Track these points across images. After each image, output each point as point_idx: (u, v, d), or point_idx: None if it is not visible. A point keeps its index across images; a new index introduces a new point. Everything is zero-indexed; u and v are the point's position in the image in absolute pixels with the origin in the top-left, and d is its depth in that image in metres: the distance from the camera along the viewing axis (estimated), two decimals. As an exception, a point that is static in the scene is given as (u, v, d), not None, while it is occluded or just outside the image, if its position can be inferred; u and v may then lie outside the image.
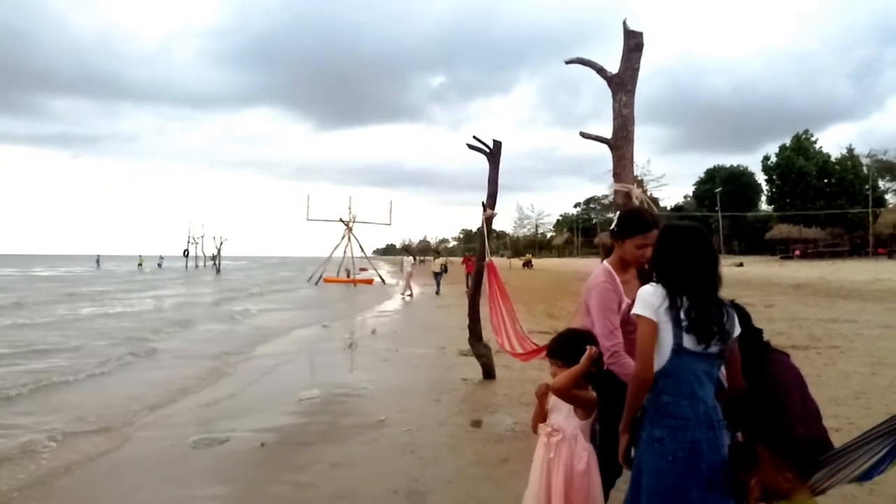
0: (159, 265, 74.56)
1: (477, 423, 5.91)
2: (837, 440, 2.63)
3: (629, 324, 2.95)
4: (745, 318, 2.77)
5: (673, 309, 2.33)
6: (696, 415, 2.31)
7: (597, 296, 3.01)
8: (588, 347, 2.76)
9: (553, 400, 2.91)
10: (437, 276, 27.59)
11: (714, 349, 2.35)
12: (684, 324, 2.31)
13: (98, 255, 76.87)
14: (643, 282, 2.77)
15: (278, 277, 47.82)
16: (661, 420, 2.34)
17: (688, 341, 2.31)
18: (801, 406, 2.56)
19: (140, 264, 71.21)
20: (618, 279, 3.02)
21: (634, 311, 2.39)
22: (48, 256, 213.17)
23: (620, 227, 3.06)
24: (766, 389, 2.56)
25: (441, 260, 31.01)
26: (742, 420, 2.68)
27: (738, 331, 2.43)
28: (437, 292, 25.85)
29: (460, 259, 40.39)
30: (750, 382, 2.59)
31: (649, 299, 2.36)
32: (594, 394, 2.82)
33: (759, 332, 2.77)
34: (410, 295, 25.04)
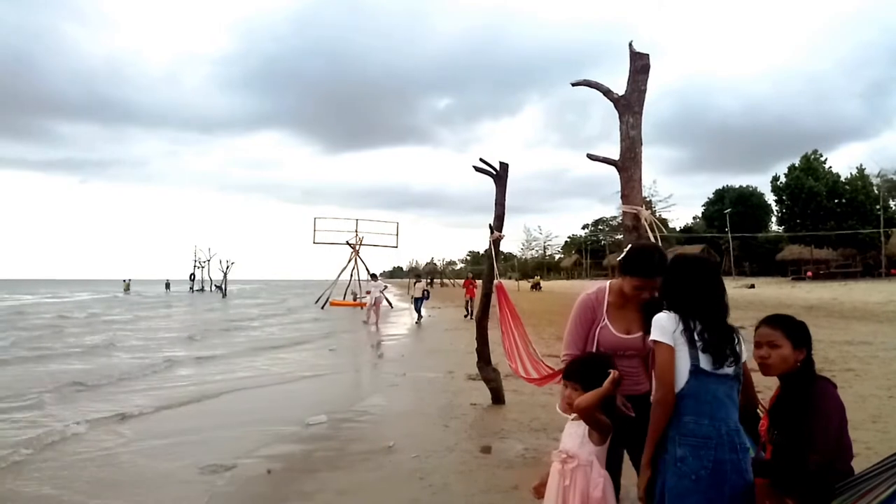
0: (167, 287, 75.12)
1: (486, 449, 5.82)
2: (856, 466, 2.56)
3: (623, 348, 3.00)
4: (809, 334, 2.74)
5: (687, 331, 2.41)
6: (719, 434, 2.33)
7: (577, 306, 3.09)
8: (610, 371, 2.72)
9: (567, 426, 2.86)
10: (418, 301, 24.71)
11: (729, 370, 2.41)
12: (699, 345, 2.39)
13: (128, 280, 77.18)
14: (645, 312, 2.83)
15: (287, 303, 47.70)
16: (683, 439, 2.35)
17: (704, 361, 2.38)
18: (836, 439, 2.48)
19: (127, 288, 70.94)
20: (608, 299, 3.03)
21: (652, 337, 2.46)
22: (63, 281, 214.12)
23: (624, 262, 2.97)
24: (807, 415, 2.49)
25: (422, 283, 26.78)
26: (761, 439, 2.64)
27: (746, 356, 2.53)
28: (418, 321, 23.24)
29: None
30: (794, 406, 2.54)
31: (664, 324, 2.44)
32: (608, 419, 2.77)
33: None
34: (372, 324, 21.75)
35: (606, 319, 3.01)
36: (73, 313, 31.33)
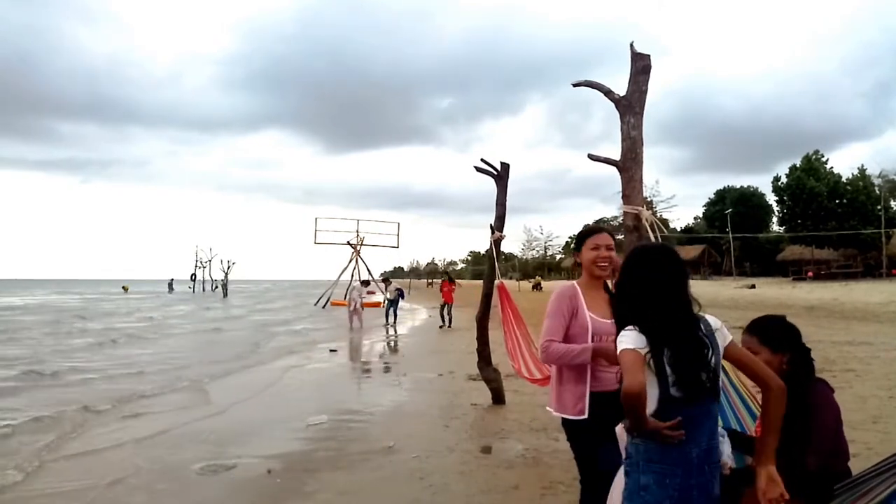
0: (170, 287, 75.41)
1: (487, 450, 5.82)
2: (856, 466, 2.57)
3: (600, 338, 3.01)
4: (794, 335, 2.72)
5: (657, 359, 2.15)
6: (687, 460, 2.16)
7: (552, 300, 3.18)
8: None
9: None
10: (391, 304, 21.66)
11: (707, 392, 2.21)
12: (671, 378, 2.14)
13: (171, 279, 78.43)
14: (612, 297, 2.90)
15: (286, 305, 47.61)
16: (647, 466, 2.20)
17: (675, 392, 2.15)
18: (831, 440, 2.48)
19: (125, 289, 71.36)
20: (580, 291, 3.15)
21: (619, 349, 2.20)
22: (63, 281, 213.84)
23: (576, 242, 3.29)
24: (801, 417, 2.49)
25: (396, 285, 23.18)
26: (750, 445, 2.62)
27: (728, 340, 2.29)
28: (386, 323, 21.08)
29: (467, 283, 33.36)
30: (787, 408, 2.53)
31: (635, 339, 2.17)
32: None
33: (808, 351, 2.70)
34: (357, 329, 20.15)
35: (591, 311, 3.09)
36: (182, 314, 31.42)
